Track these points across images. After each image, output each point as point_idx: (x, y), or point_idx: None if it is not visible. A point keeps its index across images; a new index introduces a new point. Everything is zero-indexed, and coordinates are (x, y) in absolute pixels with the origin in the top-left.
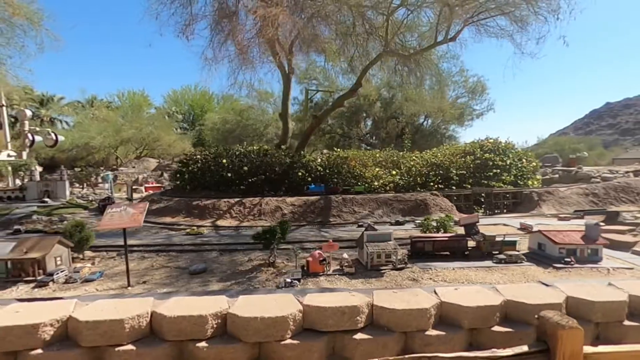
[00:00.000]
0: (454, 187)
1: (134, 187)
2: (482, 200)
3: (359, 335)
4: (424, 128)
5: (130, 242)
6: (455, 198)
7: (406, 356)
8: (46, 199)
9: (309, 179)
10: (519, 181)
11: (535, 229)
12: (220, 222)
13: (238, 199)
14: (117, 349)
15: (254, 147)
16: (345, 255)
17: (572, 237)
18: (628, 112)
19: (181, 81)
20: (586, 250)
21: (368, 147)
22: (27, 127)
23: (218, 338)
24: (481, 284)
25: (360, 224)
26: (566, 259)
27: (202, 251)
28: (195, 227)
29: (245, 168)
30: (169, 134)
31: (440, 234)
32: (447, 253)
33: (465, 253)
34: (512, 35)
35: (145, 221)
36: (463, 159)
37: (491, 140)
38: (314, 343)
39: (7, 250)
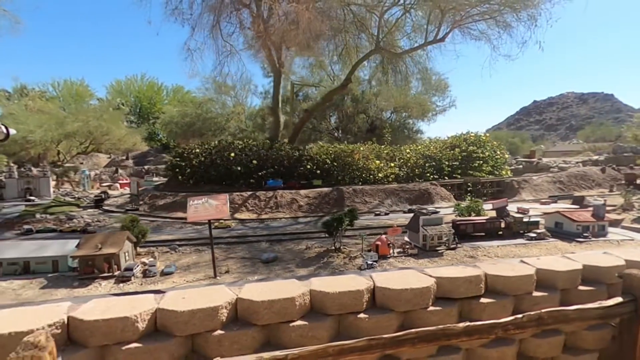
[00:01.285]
0: (446, 177)
1: (106, 184)
2: (470, 188)
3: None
4: (391, 123)
5: (169, 237)
6: (449, 187)
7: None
8: (33, 197)
9: (318, 171)
10: (495, 171)
11: (531, 212)
12: (238, 216)
13: (251, 193)
14: (213, 333)
15: (255, 142)
16: (406, 239)
17: (585, 215)
18: (551, 110)
19: (124, 70)
20: (596, 226)
21: (338, 141)
22: None
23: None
24: (521, 257)
25: (376, 212)
26: (585, 234)
27: (252, 242)
28: (222, 221)
29: (255, 162)
30: (119, 127)
31: (477, 217)
32: (483, 234)
33: (499, 233)
34: (490, 39)
35: (160, 217)
36: (452, 152)
37: (472, 135)
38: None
39: (70, 248)
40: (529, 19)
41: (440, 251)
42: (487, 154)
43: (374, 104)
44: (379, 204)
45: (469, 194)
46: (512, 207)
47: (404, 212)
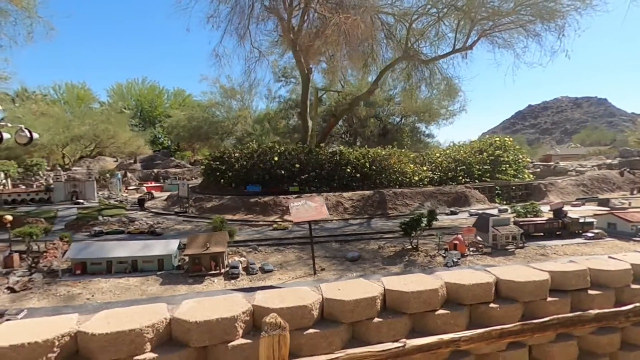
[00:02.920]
0: (476, 181)
1: (132, 187)
2: (499, 192)
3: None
4: (402, 127)
5: (244, 238)
6: (480, 190)
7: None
8: (81, 200)
9: (358, 175)
10: (518, 175)
11: (570, 213)
12: (288, 217)
13: (296, 196)
14: (305, 331)
15: (295, 146)
16: (478, 238)
17: (637, 216)
18: (546, 114)
19: (124, 74)
20: None
21: (349, 145)
22: None
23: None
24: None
25: None
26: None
27: (321, 242)
28: (280, 223)
29: (297, 166)
30: (125, 130)
31: (538, 218)
32: (542, 234)
33: (557, 233)
34: (514, 47)
35: (209, 219)
36: (480, 155)
37: (498, 139)
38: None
39: (172, 248)
40: (556, 28)
41: (510, 250)
42: (510, 157)
43: (386, 108)
44: (419, 206)
45: (498, 197)
46: (544, 208)
47: (447, 215)
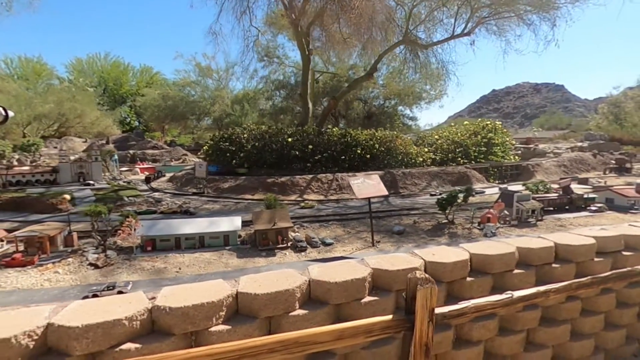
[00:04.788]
0: (473, 162)
1: (124, 169)
2: (492, 171)
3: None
4: (386, 110)
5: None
6: (477, 170)
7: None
8: (92, 182)
9: (367, 156)
10: (505, 156)
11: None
12: (307, 197)
13: (312, 176)
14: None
15: (307, 127)
16: (506, 212)
17: (631, 192)
18: (509, 99)
19: (84, 48)
20: (639, 200)
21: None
22: None
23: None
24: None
25: (432, 193)
26: (635, 207)
27: (357, 219)
28: (307, 202)
29: (311, 146)
30: (93, 109)
31: (549, 194)
32: (552, 208)
33: (566, 207)
34: (506, 35)
35: (232, 198)
36: (475, 138)
37: (489, 122)
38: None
39: (236, 224)
40: (550, 19)
41: (532, 222)
42: (499, 140)
43: (371, 90)
44: (427, 185)
45: (491, 176)
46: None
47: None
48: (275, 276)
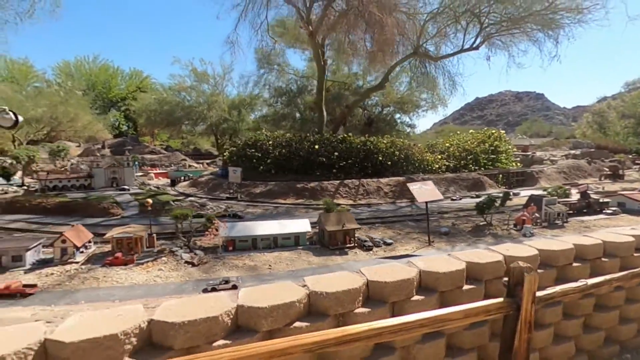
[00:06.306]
0: (482, 168)
1: (140, 174)
2: (500, 177)
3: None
4: (385, 117)
5: None
6: (488, 177)
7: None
8: (126, 186)
9: (388, 163)
10: (508, 163)
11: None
12: (337, 201)
13: (339, 181)
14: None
15: (327, 135)
16: (537, 215)
17: None
18: (492, 106)
19: (70, 51)
20: None
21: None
22: None
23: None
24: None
25: (452, 198)
26: None
27: (396, 222)
28: (342, 206)
29: (336, 153)
30: (87, 113)
31: (570, 199)
32: (571, 211)
33: (584, 211)
34: (509, 50)
35: (267, 203)
36: (483, 145)
37: (495, 131)
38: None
39: (307, 226)
40: (554, 36)
41: (559, 224)
42: (504, 148)
43: (371, 98)
44: (445, 190)
45: (499, 182)
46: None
47: (472, 198)
48: (390, 268)
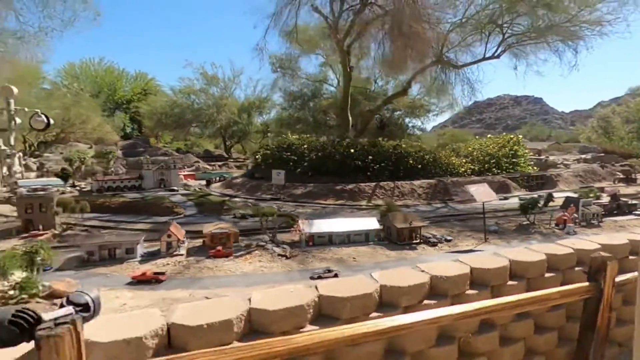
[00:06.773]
0: (504, 172)
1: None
2: (521, 181)
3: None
4: (397, 121)
5: None
6: (510, 180)
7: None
8: (175, 187)
9: (419, 166)
10: (525, 167)
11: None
12: (375, 202)
13: (375, 183)
14: None
15: (363, 140)
16: (575, 215)
17: None
18: (490, 110)
19: (76, 52)
20: None
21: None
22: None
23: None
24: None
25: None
26: None
27: (446, 221)
28: (382, 207)
29: (370, 157)
30: (98, 116)
31: (601, 200)
32: (604, 212)
33: (614, 212)
34: (527, 58)
35: (310, 203)
36: (504, 150)
37: (513, 136)
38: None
39: (376, 224)
40: (573, 46)
41: (595, 224)
42: (521, 152)
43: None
44: None
45: (520, 185)
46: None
47: (500, 200)
48: (487, 258)
